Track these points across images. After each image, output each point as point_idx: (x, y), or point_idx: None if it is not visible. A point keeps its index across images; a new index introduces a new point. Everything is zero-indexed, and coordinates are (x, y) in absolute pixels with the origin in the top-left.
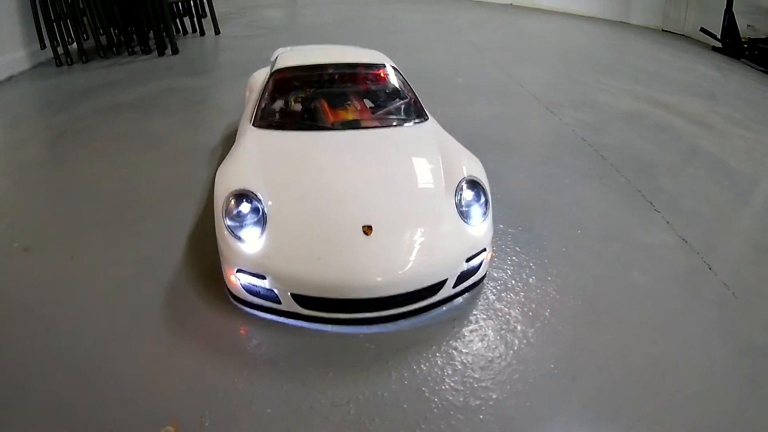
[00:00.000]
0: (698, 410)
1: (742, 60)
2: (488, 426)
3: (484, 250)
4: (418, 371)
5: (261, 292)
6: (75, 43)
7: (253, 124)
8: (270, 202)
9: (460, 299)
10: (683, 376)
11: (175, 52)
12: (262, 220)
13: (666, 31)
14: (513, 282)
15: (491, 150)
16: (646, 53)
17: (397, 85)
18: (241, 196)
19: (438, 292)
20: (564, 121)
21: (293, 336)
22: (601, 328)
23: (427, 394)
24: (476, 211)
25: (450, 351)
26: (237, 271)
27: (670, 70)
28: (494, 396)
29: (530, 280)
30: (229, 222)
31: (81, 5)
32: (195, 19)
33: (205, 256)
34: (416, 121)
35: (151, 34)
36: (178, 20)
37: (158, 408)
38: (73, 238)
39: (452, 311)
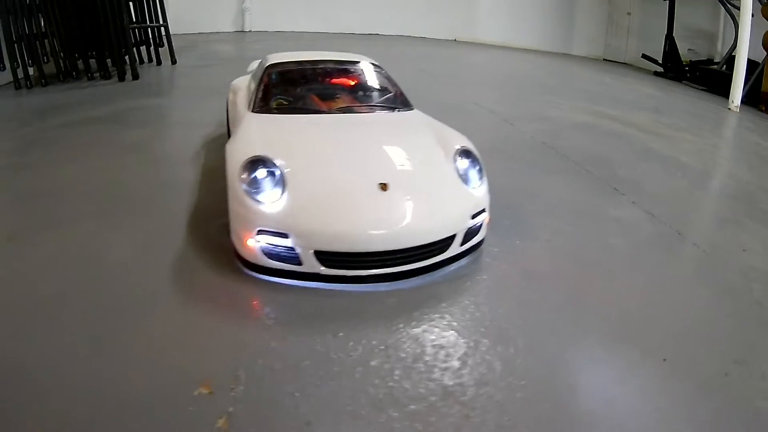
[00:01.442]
0: (692, 341)
1: (684, 82)
2: (504, 353)
3: (484, 210)
4: (436, 324)
5: (281, 254)
6: (33, 67)
7: (252, 111)
8: (287, 167)
9: (464, 260)
10: (674, 316)
11: (136, 77)
12: (281, 183)
13: (607, 60)
14: (506, 246)
15: (494, 158)
16: (590, 78)
17: (382, 80)
18: (257, 162)
19: (448, 248)
20: (523, 130)
21: (313, 299)
22: (592, 280)
23: (445, 339)
24: (474, 175)
25: (464, 303)
26: (257, 233)
27: (615, 91)
28: (512, 333)
29: (518, 244)
30: (245, 187)
31: (43, 29)
32: (152, 48)
33: (208, 237)
34: (403, 109)
35: (109, 61)
36: (135, 49)
37: (189, 371)
38: (65, 228)
39: (460, 270)
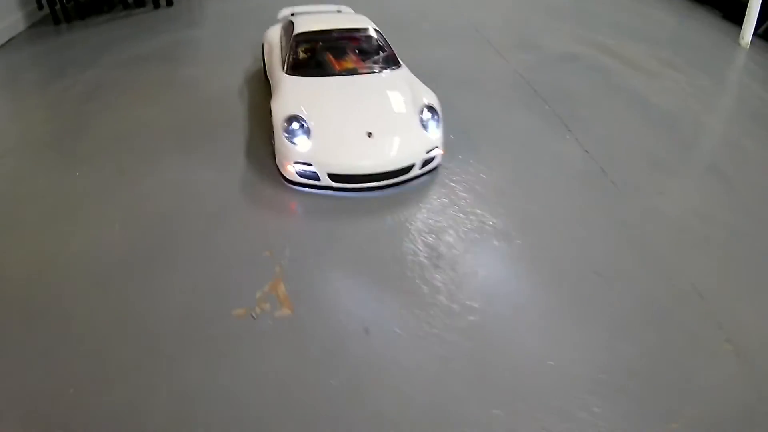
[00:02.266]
0: (582, 248)
1: (707, 4)
2: (440, 235)
3: (436, 147)
4: (401, 216)
5: (308, 174)
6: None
7: (285, 73)
8: (311, 121)
9: (423, 178)
10: (573, 227)
11: (170, 3)
12: (308, 132)
13: None
14: (457, 169)
15: (448, 85)
16: None
17: (379, 43)
18: (292, 118)
19: (410, 171)
20: (509, 61)
21: (327, 201)
22: (518, 198)
23: (407, 226)
24: (432, 124)
25: (419, 206)
26: (294, 163)
27: (624, 15)
28: (444, 225)
29: (469, 168)
30: (286, 135)
31: None
32: None
33: (261, 162)
34: (392, 68)
35: None
36: None
37: (258, 243)
38: (157, 161)
39: (420, 185)
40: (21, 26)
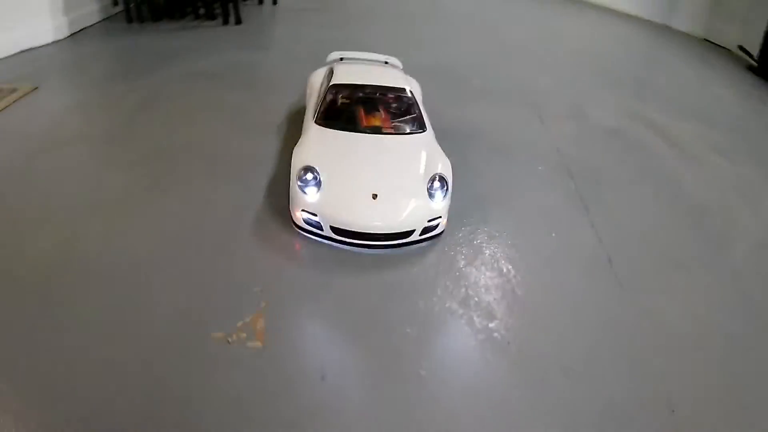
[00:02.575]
0: (560, 340)
1: None
2: (422, 301)
3: (440, 216)
4: (392, 277)
5: (313, 223)
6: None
7: (315, 122)
8: (324, 174)
9: (424, 243)
10: (559, 316)
11: (238, 22)
12: (319, 184)
13: (707, 41)
14: (461, 237)
15: (480, 149)
16: (670, 66)
17: (410, 105)
18: (308, 168)
19: (410, 235)
20: (549, 131)
21: (329, 251)
22: (513, 277)
23: (395, 288)
24: (438, 194)
25: (412, 270)
26: (301, 210)
27: (684, 89)
28: (430, 294)
29: (473, 239)
30: (299, 183)
31: None
32: None
33: (276, 200)
34: (417, 132)
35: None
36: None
37: (252, 279)
38: (183, 184)
39: (420, 249)
40: (95, 18)
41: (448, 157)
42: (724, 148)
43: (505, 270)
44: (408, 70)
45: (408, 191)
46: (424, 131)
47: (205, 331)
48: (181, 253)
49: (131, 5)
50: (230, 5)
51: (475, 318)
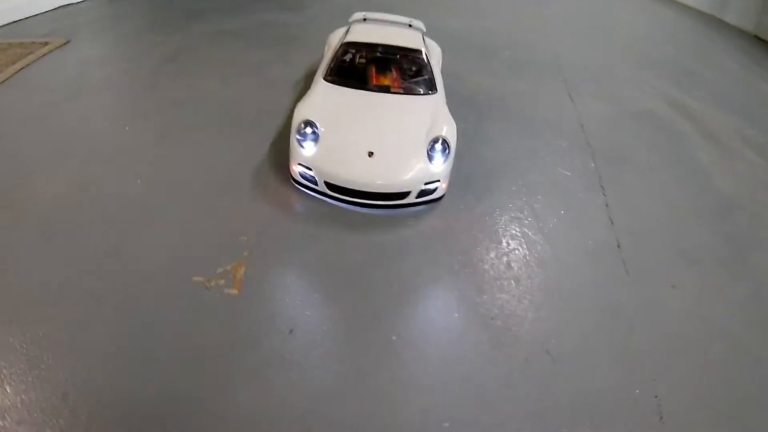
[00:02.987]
0: (551, 323)
1: None
2: (408, 266)
3: (438, 180)
4: (383, 239)
5: (308, 178)
6: None
7: (324, 78)
8: (323, 129)
9: (421, 207)
10: (553, 298)
11: None
12: (317, 139)
13: (758, 37)
14: (462, 207)
15: (499, 118)
16: (715, 57)
17: (423, 66)
18: (307, 122)
19: (405, 197)
20: (577, 108)
21: (322, 207)
22: (509, 252)
23: (383, 250)
24: (438, 157)
25: (404, 234)
26: (297, 164)
27: (728, 82)
28: (417, 260)
29: (475, 209)
30: (298, 137)
31: None
32: None
33: (280, 154)
34: (427, 92)
35: None
36: None
37: (239, 227)
38: (194, 133)
39: (416, 213)
40: None
41: (461, 123)
42: (761, 145)
43: (504, 243)
44: (440, 36)
45: (406, 151)
46: (434, 93)
47: (188, 273)
48: (181, 198)
49: None
50: None
51: (461, 288)
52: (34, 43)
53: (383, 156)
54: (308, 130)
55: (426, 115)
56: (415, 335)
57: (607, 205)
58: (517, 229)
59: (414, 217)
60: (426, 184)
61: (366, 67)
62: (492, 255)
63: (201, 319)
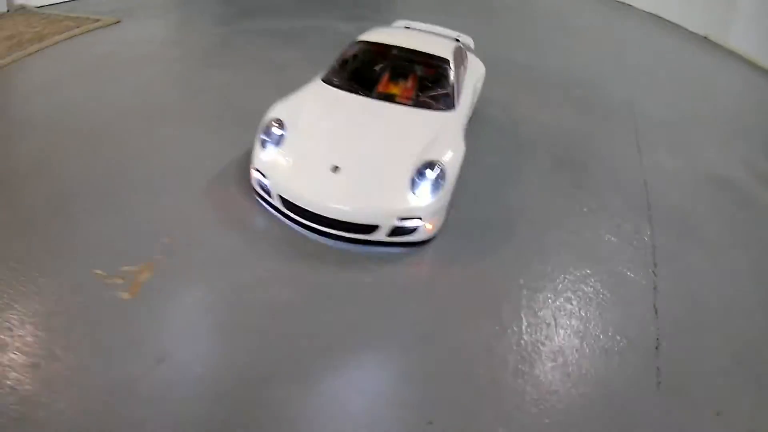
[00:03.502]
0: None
1: None
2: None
3: (419, 219)
4: (342, 273)
5: (264, 187)
6: None
7: (321, 79)
8: (291, 132)
9: (397, 249)
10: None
11: None
12: (280, 142)
13: None
14: (450, 255)
15: (542, 160)
16: None
17: (445, 77)
18: (277, 121)
19: (372, 232)
20: (642, 161)
21: (282, 228)
22: (506, 338)
23: (340, 284)
24: (425, 187)
25: (370, 268)
26: (255, 169)
27: None
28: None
29: (474, 264)
30: (263, 136)
31: None
32: None
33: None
34: (441, 109)
35: None
36: None
37: (166, 227)
38: (189, 123)
39: (390, 253)
40: None
41: (492, 158)
42: None
43: (493, 321)
44: (504, 65)
45: (385, 173)
46: (450, 111)
47: (92, 264)
48: (129, 183)
49: None
50: None
51: (407, 372)
52: (87, 18)
53: (351, 173)
54: (276, 130)
55: (429, 134)
56: (316, 420)
57: (655, 288)
58: (521, 304)
59: (384, 260)
60: (402, 219)
61: (377, 72)
62: (470, 335)
63: (80, 313)
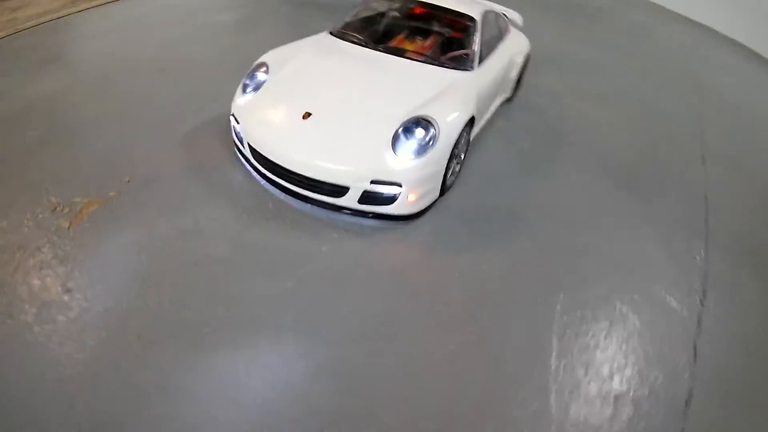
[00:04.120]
0: None
1: None
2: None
3: (399, 185)
4: (297, 241)
5: (237, 134)
6: None
7: (329, 32)
8: (273, 77)
9: (370, 221)
10: None
11: None
12: (258, 87)
13: None
14: (438, 238)
15: (581, 155)
16: None
17: (469, 38)
18: (261, 65)
19: (341, 197)
20: (707, 173)
21: (253, 184)
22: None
23: (286, 251)
24: (408, 147)
25: (333, 238)
26: (231, 114)
27: None
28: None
29: (462, 252)
30: (246, 80)
31: None
32: None
33: None
34: (456, 68)
35: None
36: None
37: (131, 167)
38: (196, 67)
39: (365, 225)
40: None
41: (522, 143)
42: None
43: (471, 330)
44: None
45: (363, 126)
46: (467, 70)
47: (51, 192)
48: (122, 124)
49: None
50: None
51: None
52: None
53: (321, 123)
54: (259, 75)
55: (432, 90)
56: (203, 395)
57: (699, 323)
58: (509, 315)
59: (351, 232)
60: (374, 183)
61: (394, 28)
62: (421, 348)
63: (20, 236)
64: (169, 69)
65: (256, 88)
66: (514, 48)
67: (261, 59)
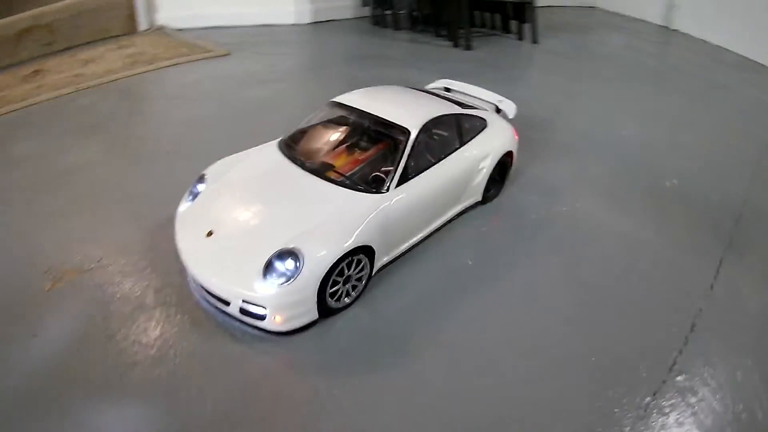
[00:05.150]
0: None
1: None
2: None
3: (263, 308)
4: (202, 338)
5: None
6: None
7: (277, 141)
8: (204, 191)
9: (258, 332)
10: None
11: (468, 48)
12: (195, 197)
13: None
14: (327, 350)
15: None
16: None
17: (397, 153)
18: (203, 176)
19: (228, 306)
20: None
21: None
22: None
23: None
24: (276, 273)
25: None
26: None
27: None
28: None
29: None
30: (190, 188)
31: None
32: (517, 22)
33: None
34: (367, 190)
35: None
36: (502, 18)
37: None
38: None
39: (248, 334)
40: (347, 14)
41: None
42: None
43: None
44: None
45: (248, 249)
46: (376, 194)
47: (41, 265)
48: (127, 197)
49: (376, 9)
50: (460, 30)
51: None
52: (200, 48)
53: (220, 242)
54: (199, 185)
55: (322, 217)
56: None
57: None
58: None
59: (263, 339)
60: (245, 302)
61: (339, 138)
62: None
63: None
64: (180, 152)
65: (194, 198)
66: (483, 150)
67: (205, 170)
